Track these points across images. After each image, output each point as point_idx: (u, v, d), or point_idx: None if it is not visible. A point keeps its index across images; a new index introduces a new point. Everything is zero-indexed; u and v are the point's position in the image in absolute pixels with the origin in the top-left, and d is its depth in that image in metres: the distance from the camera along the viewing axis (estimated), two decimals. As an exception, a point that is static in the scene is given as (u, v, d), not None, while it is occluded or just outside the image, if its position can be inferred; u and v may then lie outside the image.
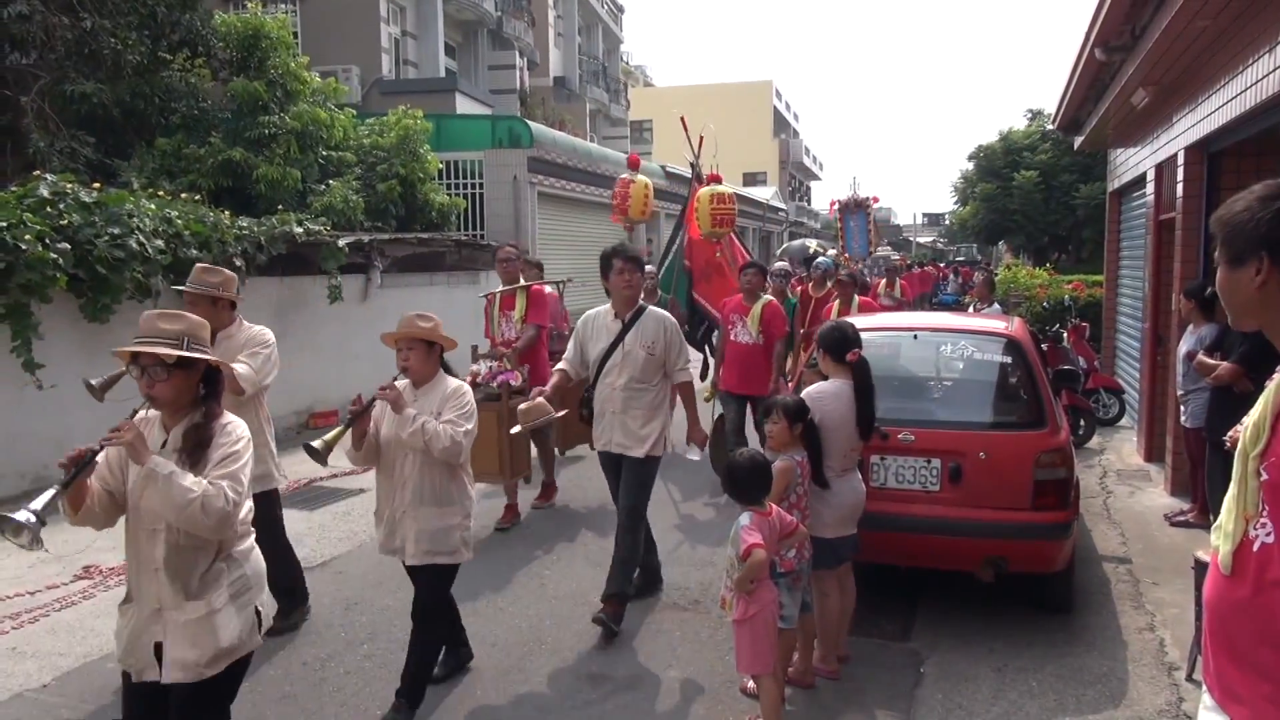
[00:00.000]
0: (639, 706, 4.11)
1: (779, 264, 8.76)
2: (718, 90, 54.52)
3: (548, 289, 8.16)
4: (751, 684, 4.01)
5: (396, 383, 3.90)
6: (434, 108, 16.10)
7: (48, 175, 7.91)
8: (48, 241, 7.03)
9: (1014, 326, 5.64)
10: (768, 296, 7.66)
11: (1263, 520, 1.74)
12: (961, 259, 42.62)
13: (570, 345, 5.34)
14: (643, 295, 9.69)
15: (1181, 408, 6.67)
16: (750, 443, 7.38)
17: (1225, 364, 5.81)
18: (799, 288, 10.53)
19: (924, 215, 79.53)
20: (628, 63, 44.75)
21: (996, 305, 10.98)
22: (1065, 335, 10.70)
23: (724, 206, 8.44)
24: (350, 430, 3.83)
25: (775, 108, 56.49)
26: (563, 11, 30.87)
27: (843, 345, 4.37)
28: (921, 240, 69.87)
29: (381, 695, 4.21)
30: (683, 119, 9.78)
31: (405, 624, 4.97)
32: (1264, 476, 1.73)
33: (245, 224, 9.41)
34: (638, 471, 5.00)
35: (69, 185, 7.74)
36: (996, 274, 16.86)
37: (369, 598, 5.41)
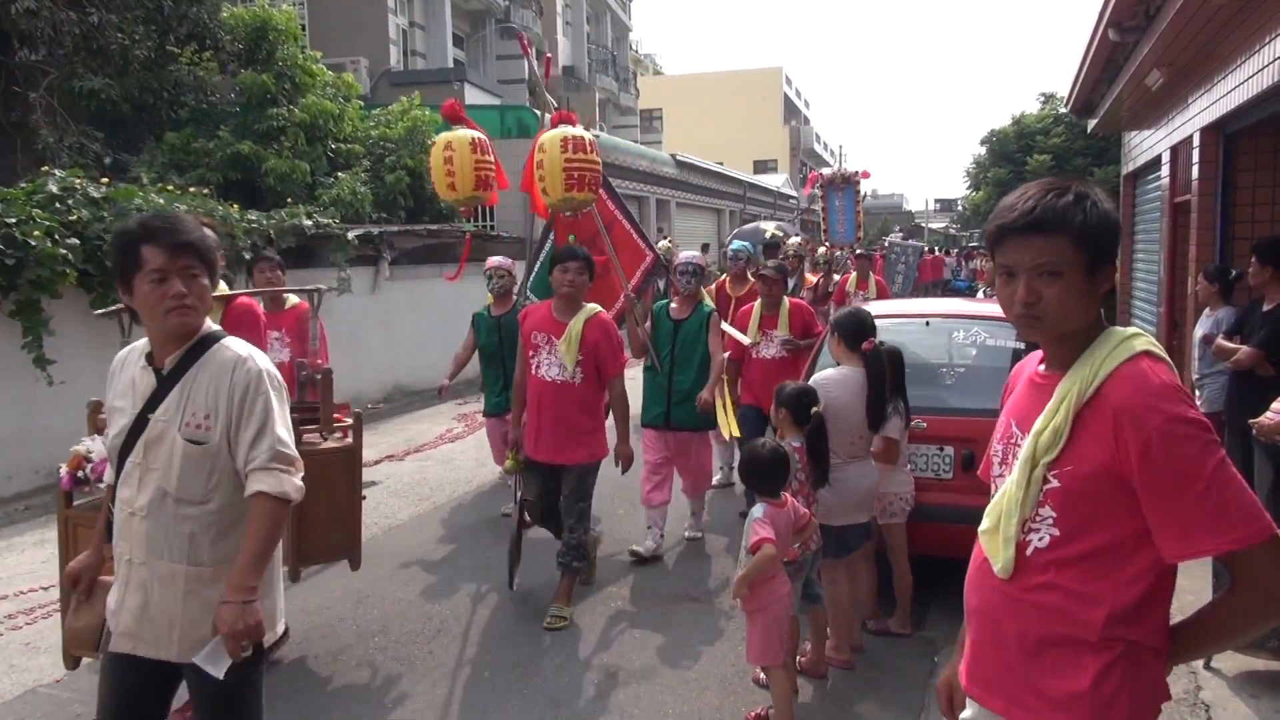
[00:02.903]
0: (652, 698, 4.09)
1: (686, 255, 6.32)
2: (728, 77, 54.41)
3: (293, 301, 5.87)
4: (763, 675, 3.99)
5: None
6: (442, 98, 15.91)
7: (56, 171, 7.93)
8: (57, 237, 7.05)
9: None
10: (594, 307, 4.97)
11: (1035, 525, 1.77)
12: (975, 244, 42.38)
13: None
14: (493, 302, 6.90)
15: (1197, 392, 6.58)
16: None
17: (1245, 348, 5.72)
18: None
19: (936, 201, 79.18)
20: (637, 51, 44.60)
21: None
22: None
23: (582, 158, 5.22)
24: None
25: (786, 94, 56.32)
26: (570, 0, 30.78)
27: (859, 334, 4.36)
28: (934, 226, 69.56)
29: (394, 686, 4.21)
30: (520, 37, 7.11)
31: (417, 615, 5.02)
32: (1054, 484, 1.75)
33: (254, 217, 9.43)
34: (214, 700, 2.50)
35: (78, 181, 7.76)
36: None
37: (380, 590, 5.40)
